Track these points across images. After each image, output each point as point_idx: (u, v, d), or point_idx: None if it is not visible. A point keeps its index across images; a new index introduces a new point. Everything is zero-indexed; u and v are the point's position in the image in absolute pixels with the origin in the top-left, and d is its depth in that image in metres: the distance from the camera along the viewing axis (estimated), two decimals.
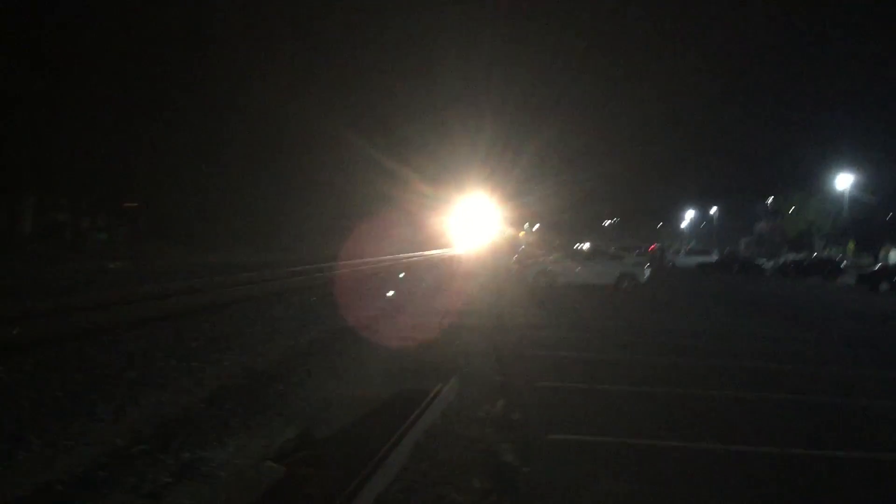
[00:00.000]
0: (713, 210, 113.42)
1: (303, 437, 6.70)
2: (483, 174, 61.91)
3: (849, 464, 6.54)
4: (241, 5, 42.12)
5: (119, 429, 6.53)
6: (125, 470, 5.47)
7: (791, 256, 60.90)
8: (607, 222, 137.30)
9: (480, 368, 9.95)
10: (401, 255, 41.62)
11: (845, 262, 50.57)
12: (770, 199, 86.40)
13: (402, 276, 26.03)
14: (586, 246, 66.11)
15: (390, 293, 20.05)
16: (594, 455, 6.46)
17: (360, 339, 12.17)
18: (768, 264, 53.77)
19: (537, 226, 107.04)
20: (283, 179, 49.36)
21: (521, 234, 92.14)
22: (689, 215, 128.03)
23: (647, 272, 27.31)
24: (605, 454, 6.50)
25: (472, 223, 66.71)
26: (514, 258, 40.31)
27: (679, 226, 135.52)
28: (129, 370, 8.14)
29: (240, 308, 13.90)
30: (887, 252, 60.98)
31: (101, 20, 34.03)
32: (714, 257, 59.24)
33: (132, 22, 35.61)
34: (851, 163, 64.31)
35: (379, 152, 50.43)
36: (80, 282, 17.46)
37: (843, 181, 63.91)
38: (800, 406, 8.66)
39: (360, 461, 5.54)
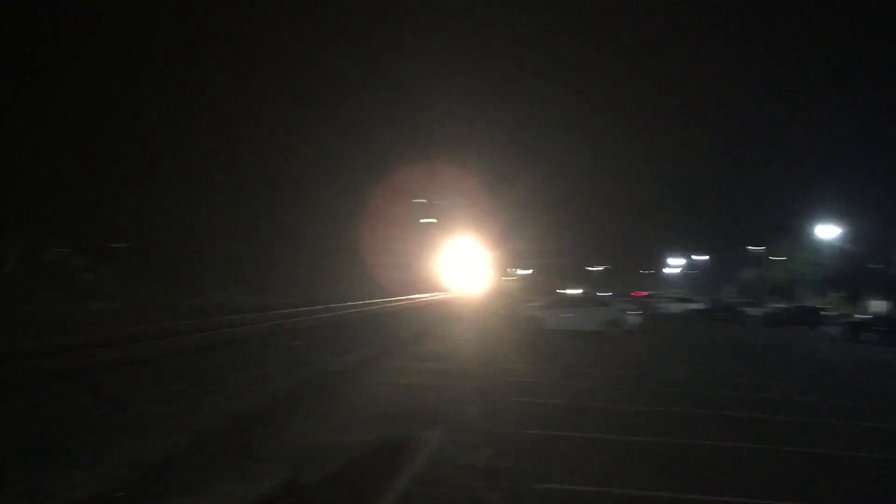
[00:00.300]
0: (700, 258, 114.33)
1: (288, 483, 6.60)
2: (471, 218, 62.23)
3: None
4: (231, 47, 42.45)
5: (100, 474, 6.42)
6: None
7: (776, 305, 61.13)
8: (596, 269, 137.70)
9: (467, 415, 9.88)
10: (389, 298, 41.43)
11: (830, 312, 50.81)
12: (761, 248, 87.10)
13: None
14: (574, 292, 66.24)
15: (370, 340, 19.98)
16: None
17: (346, 384, 12.08)
18: (755, 312, 53.94)
19: (530, 271, 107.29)
20: (270, 222, 49.35)
21: (511, 278, 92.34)
22: (677, 263, 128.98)
23: (635, 319, 27.34)
24: None
25: (460, 267, 66.82)
26: (504, 303, 40.36)
27: (665, 273, 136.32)
28: (112, 413, 8.02)
29: (224, 350, 13.79)
30: (870, 302, 61.45)
31: (90, 59, 34.21)
32: (701, 304, 59.40)
33: (121, 61, 35.85)
34: (838, 213, 65.16)
35: (368, 197, 50.76)
36: (64, 322, 17.28)
37: (828, 231, 64.61)
38: (788, 456, 8.63)
39: None
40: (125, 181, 38.83)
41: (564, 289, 73.67)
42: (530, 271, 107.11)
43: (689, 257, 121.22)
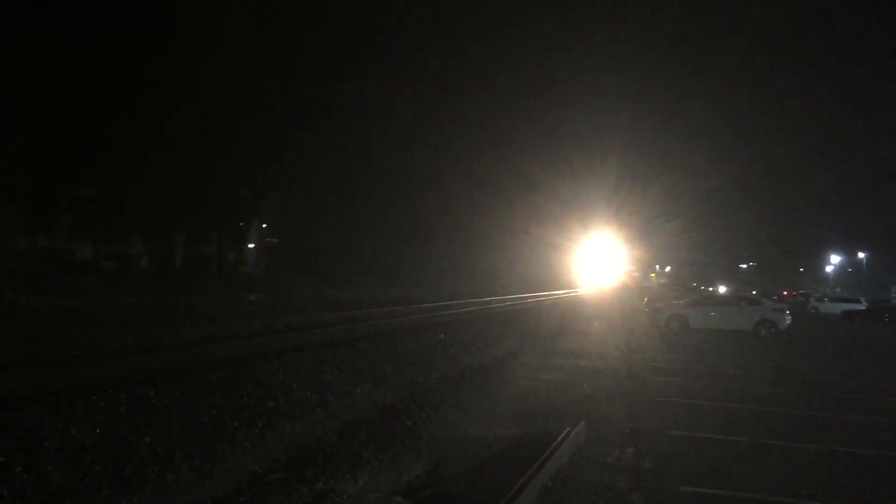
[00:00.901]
0: (861, 255, 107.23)
1: (431, 473, 6.77)
2: (608, 213, 60.84)
3: None
4: (386, 46, 43.49)
5: (257, 455, 6.81)
6: (263, 497, 5.69)
7: None
8: (744, 266, 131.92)
9: (609, 413, 9.75)
10: (527, 294, 41.42)
11: None
12: None
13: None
14: (720, 289, 63.80)
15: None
16: None
17: (489, 378, 12.19)
18: None
19: (668, 268, 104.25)
20: (413, 218, 50.33)
21: (653, 275, 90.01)
22: (835, 260, 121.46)
23: (788, 319, 26.00)
24: None
25: (598, 263, 65.38)
26: (645, 300, 39.42)
27: (823, 271, 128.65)
28: (268, 399, 8.47)
29: (372, 341, 14.23)
30: None
31: (253, 61, 35.99)
32: (863, 305, 55.71)
33: (281, 62, 37.50)
34: None
35: (508, 195, 50.79)
36: (223, 312, 18.38)
37: None
38: None
39: (488, 502, 5.54)
40: (279, 177, 40.74)
41: (709, 286, 71.04)
42: (669, 268, 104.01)
43: (850, 254, 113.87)
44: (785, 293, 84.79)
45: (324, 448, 7.11)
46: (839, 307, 55.09)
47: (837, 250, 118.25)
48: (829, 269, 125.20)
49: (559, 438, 7.45)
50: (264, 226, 50.11)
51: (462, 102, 49.42)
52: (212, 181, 35.84)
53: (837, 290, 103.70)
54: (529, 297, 40.18)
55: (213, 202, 37.93)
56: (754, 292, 58.51)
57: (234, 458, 6.62)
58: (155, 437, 6.69)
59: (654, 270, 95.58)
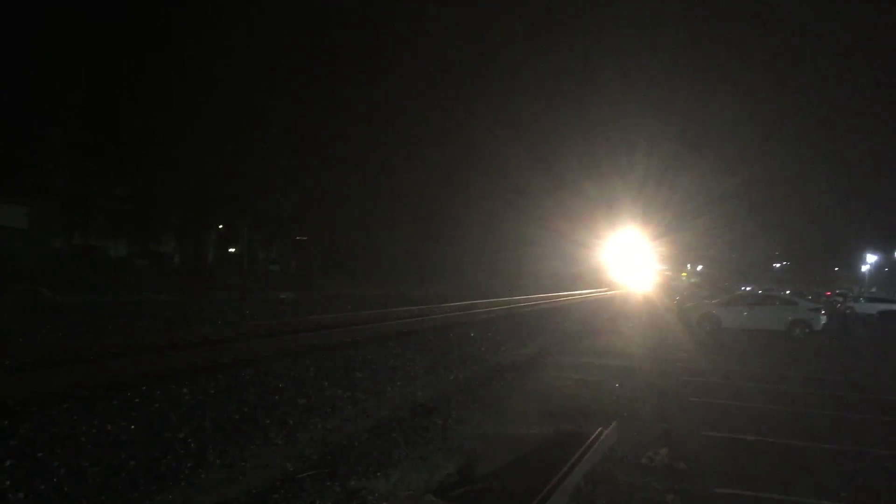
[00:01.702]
0: None
1: (463, 472, 6.74)
2: (635, 210, 59.99)
3: None
4: (409, 49, 43.60)
5: (289, 453, 6.85)
6: (296, 494, 5.71)
7: None
8: (777, 265, 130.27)
9: (641, 414, 9.66)
10: (556, 293, 41.23)
11: None
12: None
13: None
14: (749, 289, 62.97)
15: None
16: None
17: (519, 377, 12.15)
18: None
19: (700, 267, 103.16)
20: (440, 215, 50.21)
21: (684, 274, 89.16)
22: (871, 259, 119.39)
23: (823, 319, 25.60)
24: None
25: (627, 262, 64.48)
26: (677, 300, 39.07)
27: (859, 270, 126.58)
28: (300, 397, 8.52)
29: (403, 340, 14.25)
30: None
31: (282, 60, 36.27)
32: None
33: (310, 65, 37.76)
34: None
35: (536, 192, 50.53)
36: (255, 310, 18.53)
37: None
38: None
39: (521, 501, 5.51)
40: (310, 178, 40.98)
41: (742, 285, 70.11)
42: (701, 267, 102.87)
43: (887, 254, 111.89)
44: (828, 293, 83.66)
45: (355, 446, 7.13)
46: (875, 307, 54.14)
47: (874, 249, 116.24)
48: (864, 268, 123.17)
49: (591, 438, 7.39)
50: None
51: (489, 99, 49.22)
52: (243, 180, 36.15)
53: (873, 289, 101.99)
54: (560, 295, 40.02)
55: (244, 201, 38.27)
56: (787, 292, 57.71)
57: (267, 455, 6.67)
58: (189, 434, 6.76)
59: (685, 269, 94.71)
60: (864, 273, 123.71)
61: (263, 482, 6.01)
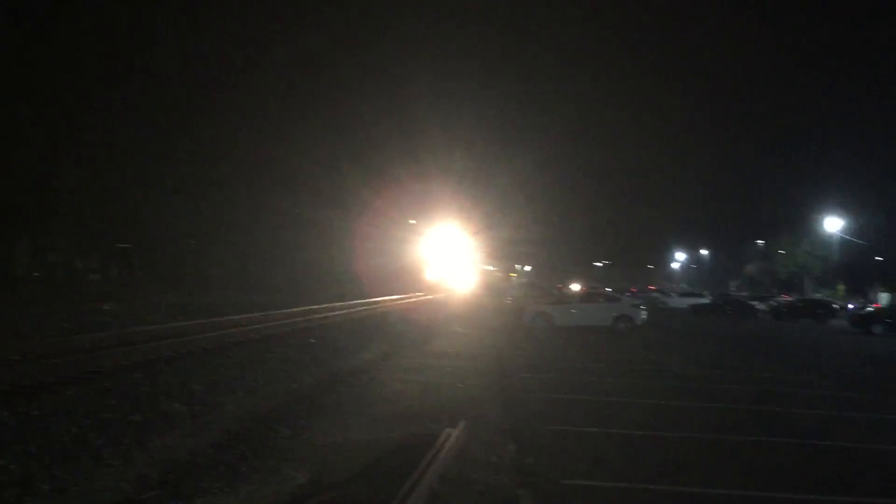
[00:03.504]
0: (703, 252, 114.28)
1: (314, 482, 6.57)
2: (457, 211, 58.50)
3: None
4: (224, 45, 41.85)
5: (127, 473, 6.39)
6: None
7: (783, 299, 61.09)
8: (599, 264, 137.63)
9: (488, 412, 9.83)
10: (381, 298, 40.89)
11: (837, 304, 50.81)
12: (761, 242, 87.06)
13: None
14: (577, 287, 66.02)
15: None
16: (612, 501, 6.37)
17: (362, 382, 12.04)
18: (761, 306, 53.93)
19: (528, 267, 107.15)
20: (270, 219, 48.27)
21: (512, 275, 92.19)
22: (680, 257, 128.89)
23: (644, 314, 27.28)
24: (623, 500, 6.40)
25: (454, 264, 62.73)
26: (509, 300, 40.24)
27: (669, 267, 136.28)
28: (134, 413, 7.99)
29: (238, 350, 13.75)
30: (876, 294, 61.34)
31: (90, 58, 34.13)
32: (707, 299, 59.37)
33: (123, 60, 35.72)
34: (841, 206, 65.01)
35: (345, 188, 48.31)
36: (75, 324, 17.26)
37: (833, 224, 64.47)
38: (814, 450, 8.59)
39: None
40: (128, 181, 38.76)
41: (568, 284, 73.26)
42: (529, 268, 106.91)
43: (693, 252, 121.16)
44: (652, 287, 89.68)
45: (199, 462, 6.76)
46: (686, 301, 58.49)
47: (681, 248, 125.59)
48: (674, 265, 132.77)
49: (441, 439, 7.42)
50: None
51: (306, 98, 47.69)
52: (56, 183, 33.61)
53: (683, 285, 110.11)
54: (388, 299, 39.89)
55: (57, 206, 35.52)
56: (608, 290, 60.93)
57: (101, 478, 6.19)
58: (11, 460, 6.15)
59: (514, 270, 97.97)
60: (673, 270, 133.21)
61: None
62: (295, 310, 24.25)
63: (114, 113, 35.67)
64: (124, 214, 39.93)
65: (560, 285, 69.71)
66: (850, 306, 50.05)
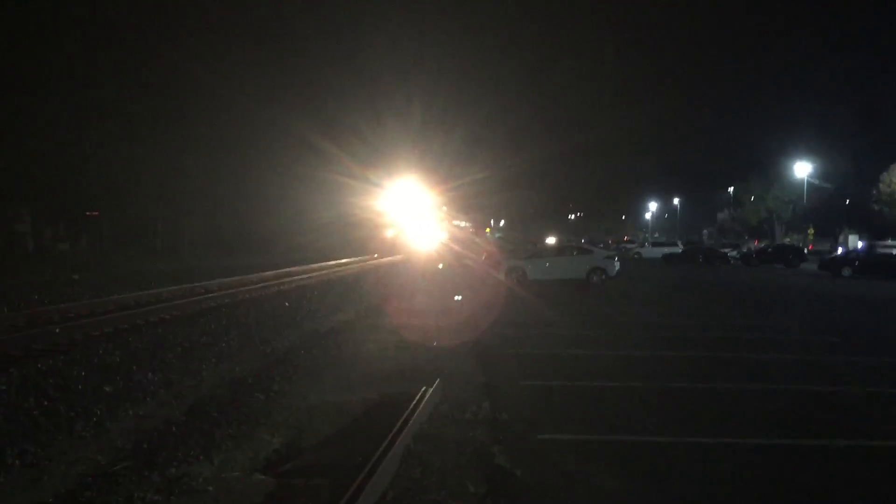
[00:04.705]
0: (675, 201, 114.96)
1: (290, 446, 6.59)
2: (421, 165, 55.25)
3: (836, 452, 6.60)
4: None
5: (100, 445, 6.36)
6: (111, 489, 5.32)
7: (754, 245, 61.86)
8: (572, 216, 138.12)
9: (462, 370, 9.89)
10: (349, 259, 40.22)
11: (808, 249, 51.59)
12: (730, 189, 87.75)
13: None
14: (552, 241, 66.26)
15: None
16: (585, 453, 6.44)
17: (336, 344, 12.04)
18: (733, 253, 54.56)
19: (502, 222, 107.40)
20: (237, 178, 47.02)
21: (488, 230, 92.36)
22: (652, 207, 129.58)
23: (617, 266, 27.46)
24: (595, 452, 6.49)
25: (421, 220, 58.80)
26: (483, 256, 40.27)
27: (643, 218, 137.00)
28: (106, 384, 7.92)
29: (210, 315, 13.66)
30: (846, 237, 62.31)
31: (52, 22, 33.28)
32: (679, 248, 59.94)
33: (88, 27, 34.87)
34: (809, 151, 65.56)
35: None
36: (45, 294, 17.04)
37: (802, 169, 65.05)
38: (783, 395, 8.75)
39: (352, 469, 5.45)
40: (95, 147, 38.04)
41: (543, 239, 73.42)
42: (503, 222, 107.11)
43: (666, 201, 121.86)
44: (626, 238, 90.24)
45: (173, 431, 6.74)
46: (660, 251, 58.97)
47: (654, 197, 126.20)
48: (647, 215, 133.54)
49: (416, 399, 7.45)
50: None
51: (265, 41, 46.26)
52: (19, 151, 32.90)
53: (656, 234, 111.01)
54: (353, 261, 39.36)
55: (22, 174, 34.80)
56: (584, 241, 61.22)
57: (74, 451, 6.16)
58: None
59: (489, 226, 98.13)
60: (646, 220, 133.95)
61: (72, 480, 5.55)
62: (262, 274, 24.17)
63: (76, 75, 34.84)
64: (90, 182, 39.26)
65: (534, 239, 69.74)
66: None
